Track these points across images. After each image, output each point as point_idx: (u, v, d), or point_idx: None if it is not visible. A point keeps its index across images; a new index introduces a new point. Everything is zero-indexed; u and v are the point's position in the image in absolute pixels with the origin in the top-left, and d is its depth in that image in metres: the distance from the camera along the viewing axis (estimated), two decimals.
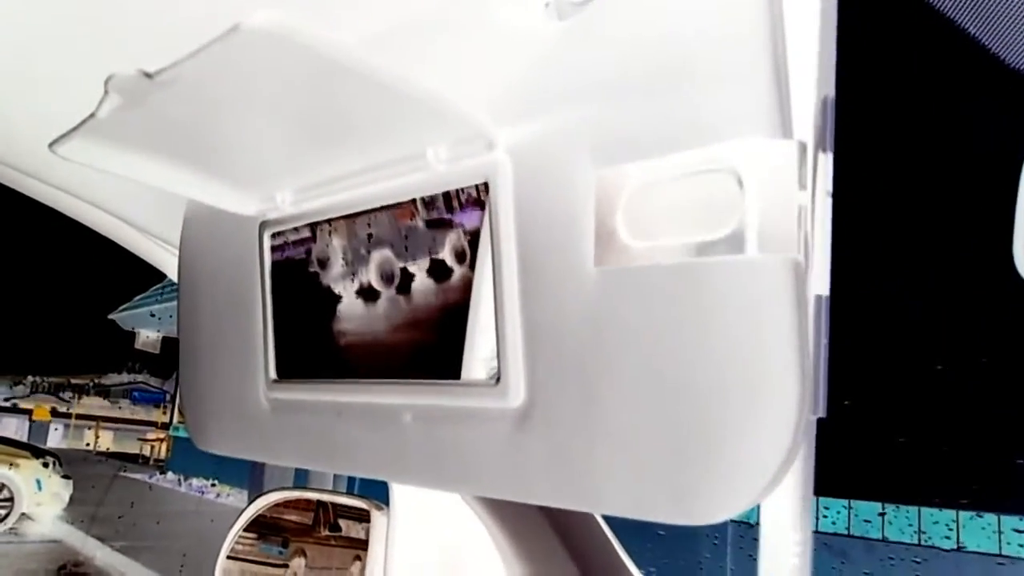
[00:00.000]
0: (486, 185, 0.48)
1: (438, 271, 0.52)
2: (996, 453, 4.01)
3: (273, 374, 0.65)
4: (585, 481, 0.44)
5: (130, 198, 0.81)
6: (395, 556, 1.02)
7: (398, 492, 1.02)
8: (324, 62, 0.45)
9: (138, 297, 15.55)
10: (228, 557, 1.16)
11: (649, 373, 0.41)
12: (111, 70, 0.50)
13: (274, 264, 0.65)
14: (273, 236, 0.64)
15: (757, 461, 0.37)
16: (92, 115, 0.54)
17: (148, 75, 0.49)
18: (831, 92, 0.40)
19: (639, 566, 0.97)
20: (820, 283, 0.39)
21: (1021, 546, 4.07)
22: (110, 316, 16.16)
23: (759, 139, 0.37)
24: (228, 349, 0.70)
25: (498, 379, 0.48)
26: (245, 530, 1.18)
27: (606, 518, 0.98)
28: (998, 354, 4.01)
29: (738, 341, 0.37)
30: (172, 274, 0.83)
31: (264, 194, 0.64)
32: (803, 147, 0.38)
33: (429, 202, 0.52)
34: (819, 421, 0.40)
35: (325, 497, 1.23)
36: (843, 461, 4.27)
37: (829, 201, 0.40)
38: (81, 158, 0.59)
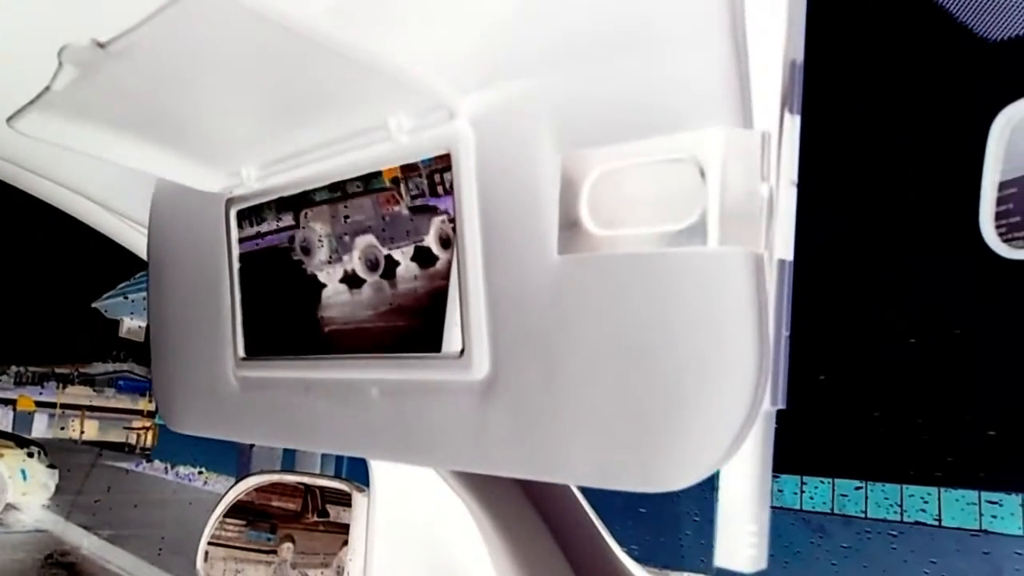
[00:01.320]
0: (449, 156, 0.48)
1: (422, 257, 0.52)
2: (969, 425, 4.08)
3: (242, 352, 0.65)
4: (549, 451, 0.44)
5: (97, 177, 0.80)
6: (376, 538, 1.02)
7: (378, 473, 1.02)
8: (279, 30, 0.44)
9: (121, 285, 15.41)
10: (214, 544, 1.15)
11: (611, 351, 0.41)
12: (66, 40, 0.49)
13: (257, 251, 0.64)
14: (255, 222, 0.64)
15: (713, 433, 0.38)
16: (48, 88, 0.52)
17: (101, 45, 0.48)
18: (799, 56, 0.40)
19: (621, 545, 0.98)
20: (783, 280, 0.39)
21: (994, 517, 4.14)
22: (94, 305, 16.01)
23: (721, 129, 0.37)
24: (197, 328, 0.70)
25: (462, 351, 0.48)
26: (233, 517, 1.17)
27: (587, 497, 0.98)
28: (970, 325, 4.07)
29: (698, 327, 0.38)
30: (144, 255, 0.82)
31: (229, 170, 0.63)
32: (766, 138, 0.38)
33: (413, 188, 0.52)
34: (793, 397, 0.40)
35: (307, 480, 1.22)
36: (817, 439, 4.32)
37: (794, 189, 0.40)
38: (40, 133, 0.58)
